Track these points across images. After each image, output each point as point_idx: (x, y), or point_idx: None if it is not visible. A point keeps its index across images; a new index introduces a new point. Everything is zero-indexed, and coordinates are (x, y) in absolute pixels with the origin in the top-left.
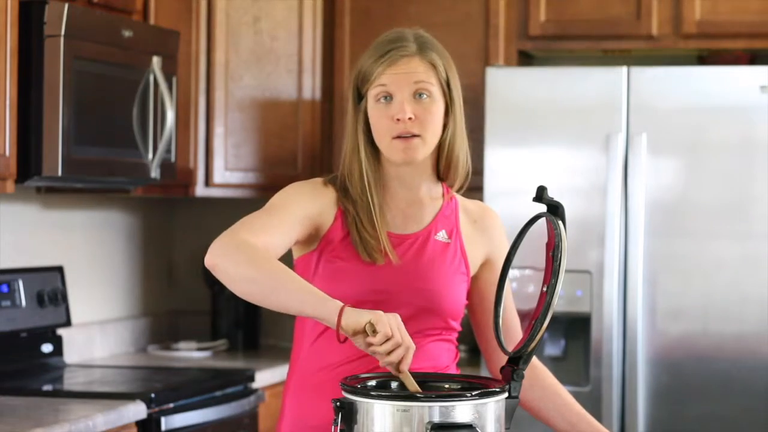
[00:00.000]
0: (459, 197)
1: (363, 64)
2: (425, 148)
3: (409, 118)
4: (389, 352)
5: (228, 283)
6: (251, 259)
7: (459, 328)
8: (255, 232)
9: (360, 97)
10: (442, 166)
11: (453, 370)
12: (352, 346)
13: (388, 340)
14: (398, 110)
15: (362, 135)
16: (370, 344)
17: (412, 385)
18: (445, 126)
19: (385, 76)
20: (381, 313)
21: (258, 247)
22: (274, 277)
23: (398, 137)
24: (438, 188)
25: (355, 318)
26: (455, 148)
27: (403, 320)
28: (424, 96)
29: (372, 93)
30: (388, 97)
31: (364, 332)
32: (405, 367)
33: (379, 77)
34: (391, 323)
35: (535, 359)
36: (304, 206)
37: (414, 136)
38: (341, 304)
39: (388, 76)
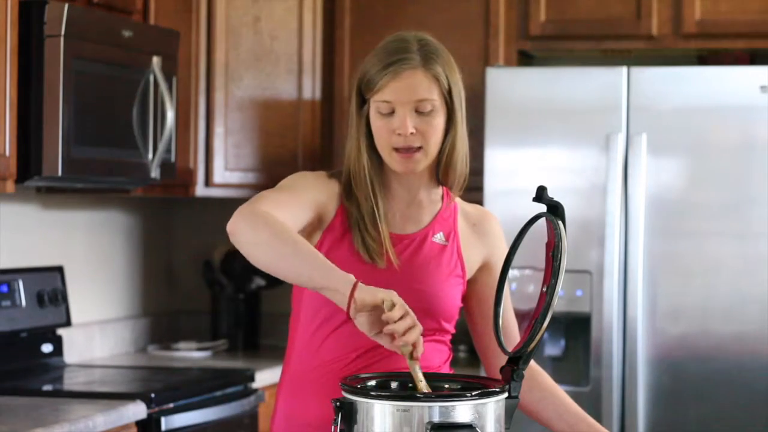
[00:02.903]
0: (459, 201)
1: (367, 71)
2: (427, 160)
3: (411, 133)
4: (405, 332)
5: (244, 246)
6: (270, 225)
7: (452, 330)
8: (273, 206)
9: (363, 100)
10: (440, 171)
11: (446, 371)
12: (345, 346)
13: (405, 317)
14: (400, 125)
15: (364, 139)
16: (386, 321)
17: (419, 378)
18: (446, 134)
19: (387, 90)
20: (395, 292)
21: (278, 217)
22: (290, 244)
23: (398, 150)
24: (438, 191)
25: (372, 292)
26: (454, 155)
27: None
28: (426, 109)
29: (374, 104)
30: (389, 110)
31: (379, 307)
32: (419, 352)
33: (381, 90)
34: (404, 303)
35: (531, 362)
36: (313, 191)
37: (416, 149)
38: (354, 278)
39: (391, 90)
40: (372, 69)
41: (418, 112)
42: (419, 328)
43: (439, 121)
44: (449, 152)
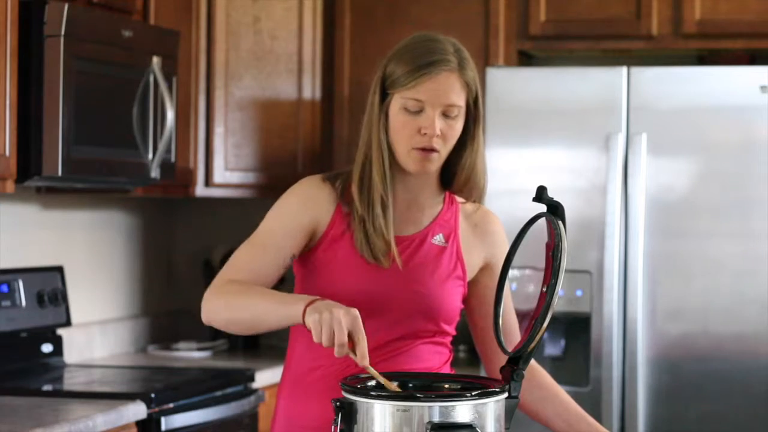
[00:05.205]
0: (461, 201)
1: (396, 69)
2: (440, 162)
3: (437, 135)
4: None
5: (226, 326)
6: (227, 303)
7: (453, 332)
8: (239, 270)
9: (384, 96)
10: (458, 182)
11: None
12: None
13: (327, 336)
14: (428, 125)
15: (384, 134)
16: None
17: (382, 380)
18: (465, 143)
19: (421, 89)
20: (327, 314)
21: (239, 283)
22: (249, 310)
23: (418, 149)
24: (440, 193)
25: (309, 318)
26: (476, 167)
27: (395, 322)
28: (453, 114)
29: (401, 100)
30: (418, 108)
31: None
32: (363, 362)
33: (414, 88)
34: (333, 322)
35: (532, 361)
36: (295, 223)
37: (434, 150)
38: (303, 306)
39: (425, 89)
40: (403, 67)
41: (445, 115)
42: (339, 344)
43: (460, 126)
44: (470, 164)
